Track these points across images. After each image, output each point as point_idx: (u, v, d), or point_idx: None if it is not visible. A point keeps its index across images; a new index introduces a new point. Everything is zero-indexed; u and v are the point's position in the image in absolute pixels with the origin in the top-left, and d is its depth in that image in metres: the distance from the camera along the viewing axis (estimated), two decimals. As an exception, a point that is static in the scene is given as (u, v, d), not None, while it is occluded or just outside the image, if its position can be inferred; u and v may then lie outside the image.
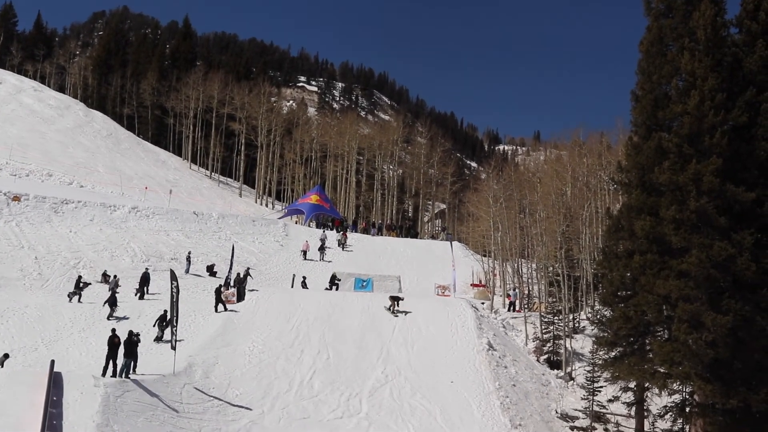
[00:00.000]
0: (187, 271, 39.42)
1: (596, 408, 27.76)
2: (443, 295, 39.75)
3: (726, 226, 23.24)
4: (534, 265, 44.75)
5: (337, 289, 39.38)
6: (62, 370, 21.59)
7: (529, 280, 44.89)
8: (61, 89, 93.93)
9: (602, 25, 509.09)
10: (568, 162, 49.26)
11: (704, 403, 24.25)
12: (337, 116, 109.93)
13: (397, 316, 32.31)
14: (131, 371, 23.35)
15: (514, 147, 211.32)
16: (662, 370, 24.24)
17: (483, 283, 45.30)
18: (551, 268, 40.41)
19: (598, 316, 28.43)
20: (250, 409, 24.13)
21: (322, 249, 47.57)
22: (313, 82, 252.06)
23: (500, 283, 43.97)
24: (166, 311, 28.33)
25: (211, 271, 40.51)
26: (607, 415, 28.21)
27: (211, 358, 26.93)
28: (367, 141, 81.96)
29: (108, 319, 30.65)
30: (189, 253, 41.39)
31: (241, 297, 33.87)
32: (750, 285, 23.50)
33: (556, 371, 33.14)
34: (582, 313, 38.77)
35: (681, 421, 25.80)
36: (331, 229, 55.50)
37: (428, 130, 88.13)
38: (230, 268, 37.57)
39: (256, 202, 79.47)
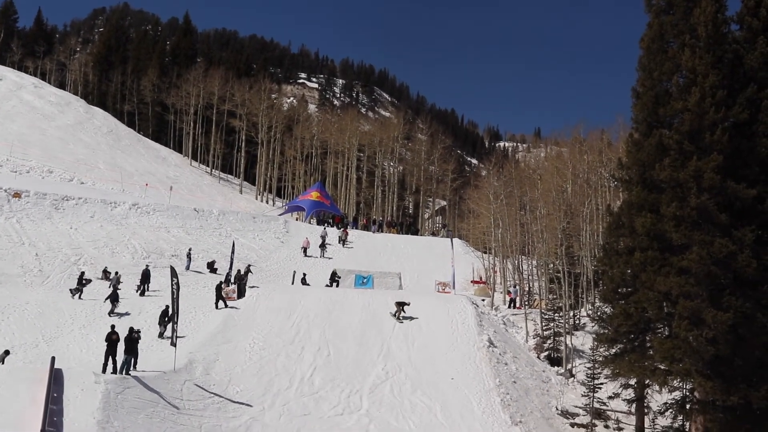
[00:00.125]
0: (187, 268, 39.44)
1: (597, 405, 27.78)
2: (444, 292, 39.81)
3: (727, 223, 23.22)
4: (534, 262, 44.72)
5: (337, 286, 39.40)
6: (63, 366, 21.65)
7: (530, 277, 44.88)
8: (62, 86, 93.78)
9: (603, 22, 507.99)
10: (568, 159, 49.17)
11: (705, 400, 24.26)
12: (337, 113, 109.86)
13: (402, 322, 31.90)
14: (132, 368, 23.37)
15: (515, 144, 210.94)
16: (663, 367, 24.25)
17: (483, 280, 45.31)
18: (552, 265, 40.39)
19: (599, 313, 28.48)
20: (251, 406, 24.16)
21: (322, 246, 47.59)
22: (314, 79, 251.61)
23: (501, 280, 43.97)
24: (168, 306, 28.34)
25: (211, 267, 40.54)
26: (608, 412, 28.23)
27: (212, 354, 26.95)
28: (367, 138, 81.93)
29: (110, 315, 30.72)
30: (189, 249, 41.41)
31: (241, 294, 33.89)
32: (751, 282, 23.50)
33: (556, 368, 33.15)
34: (582, 310, 38.77)
35: (681, 418, 25.83)
36: (332, 226, 55.50)
37: (429, 127, 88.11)
38: (231, 265, 37.62)
39: (256, 198, 79.42)
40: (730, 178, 23.44)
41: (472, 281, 44.50)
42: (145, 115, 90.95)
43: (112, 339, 23.73)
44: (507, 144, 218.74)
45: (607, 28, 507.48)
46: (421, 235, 64.36)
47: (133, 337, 23.85)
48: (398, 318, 32.08)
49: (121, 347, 23.73)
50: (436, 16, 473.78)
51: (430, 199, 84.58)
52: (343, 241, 50.58)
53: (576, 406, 28.61)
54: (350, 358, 28.53)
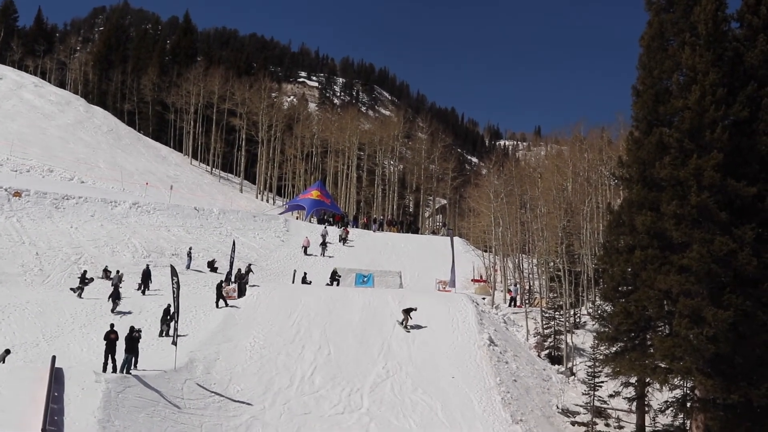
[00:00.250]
0: (188, 267, 39.48)
1: (597, 403, 27.76)
2: (444, 290, 39.80)
3: (727, 221, 23.21)
4: (535, 261, 44.75)
5: (338, 284, 39.40)
6: (63, 365, 21.64)
7: (530, 276, 44.91)
8: (62, 85, 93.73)
9: (603, 20, 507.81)
10: (568, 157, 49.18)
11: (705, 398, 24.26)
12: (337, 112, 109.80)
13: (409, 331, 30.91)
14: (132, 367, 23.36)
15: (515, 142, 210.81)
16: (663, 366, 24.25)
17: (484, 278, 45.33)
18: (552, 264, 40.41)
19: (599, 312, 28.48)
20: (251, 405, 24.16)
21: (323, 245, 47.60)
22: (314, 78, 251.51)
23: (501, 278, 43.98)
24: (169, 305, 28.33)
25: (212, 266, 40.56)
26: (608, 411, 28.22)
27: (212, 353, 26.96)
28: (367, 136, 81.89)
29: (112, 312, 30.76)
30: (190, 248, 41.44)
31: (242, 293, 33.90)
32: (751, 280, 23.48)
33: (557, 366, 33.16)
34: (583, 308, 38.78)
35: (682, 416, 25.86)
36: (332, 225, 55.51)
37: (429, 126, 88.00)
38: (231, 264, 37.62)
39: (256, 197, 79.40)
40: (731, 176, 23.42)
41: (472, 280, 44.51)
42: (146, 114, 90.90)
43: (110, 338, 23.70)
44: (507, 142, 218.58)
45: (607, 27, 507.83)
46: (421, 234, 64.38)
47: (133, 336, 23.83)
48: (405, 327, 31.10)
49: (120, 346, 23.69)
50: (436, 15, 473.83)
51: (431, 198, 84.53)
52: (343, 239, 50.59)
53: (576, 405, 28.61)
54: (351, 356, 28.54)
